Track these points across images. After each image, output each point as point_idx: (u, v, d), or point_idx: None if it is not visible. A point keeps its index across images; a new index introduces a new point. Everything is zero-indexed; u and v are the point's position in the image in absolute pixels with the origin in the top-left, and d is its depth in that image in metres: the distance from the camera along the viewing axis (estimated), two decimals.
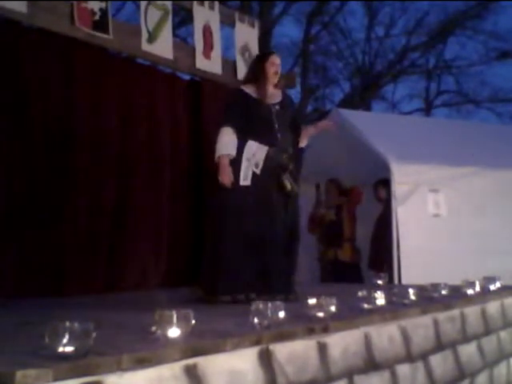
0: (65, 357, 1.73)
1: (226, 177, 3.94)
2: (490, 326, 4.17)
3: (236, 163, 3.98)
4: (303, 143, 4.37)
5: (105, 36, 4.99)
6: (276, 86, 4.22)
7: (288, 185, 4.01)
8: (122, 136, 5.23)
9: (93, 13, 4.89)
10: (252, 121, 4.05)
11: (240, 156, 4.00)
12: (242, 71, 6.09)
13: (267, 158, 4.01)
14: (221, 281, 3.88)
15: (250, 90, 4.16)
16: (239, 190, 3.96)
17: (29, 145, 4.52)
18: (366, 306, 3.11)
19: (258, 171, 3.99)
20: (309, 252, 6.91)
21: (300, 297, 3.67)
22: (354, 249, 6.81)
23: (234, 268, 3.89)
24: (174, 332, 2.11)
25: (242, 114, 4.05)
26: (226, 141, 4.01)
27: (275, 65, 4.18)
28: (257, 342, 2.30)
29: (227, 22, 6.35)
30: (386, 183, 6.36)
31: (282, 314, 2.51)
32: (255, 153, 4.01)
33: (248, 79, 4.29)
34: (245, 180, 3.97)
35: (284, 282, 3.94)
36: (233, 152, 3.99)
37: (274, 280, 3.90)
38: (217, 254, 3.97)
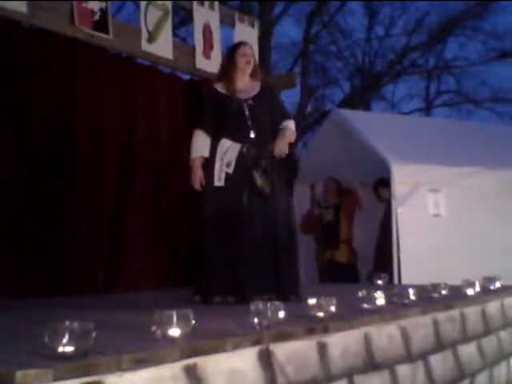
0: (65, 357, 1.73)
1: (196, 180, 3.95)
2: (490, 325, 4.17)
3: (210, 164, 3.92)
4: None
5: (105, 36, 5.00)
6: (252, 77, 4.08)
7: (258, 181, 3.83)
8: (122, 136, 5.23)
9: (93, 13, 4.90)
10: (224, 118, 3.94)
11: (214, 156, 3.93)
12: None
13: (240, 155, 3.89)
14: (205, 282, 3.84)
15: (221, 86, 4.05)
16: (215, 191, 3.89)
17: (29, 144, 4.52)
18: (365, 306, 3.11)
19: (230, 171, 3.87)
20: (307, 252, 6.91)
21: (302, 298, 3.60)
22: (351, 250, 6.78)
23: (218, 269, 3.82)
24: (174, 332, 2.11)
25: (214, 114, 3.97)
26: (198, 143, 3.98)
27: (246, 55, 4.02)
28: (257, 342, 2.30)
29: (227, 22, 6.36)
30: (386, 183, 6.35)
31: (281, 314, 2.51)
32: (227, 151, 3.91)
33: (220, 75, 4.14)
34: (219, 181, 3.89)
35: (274, 281, 3.83)
36: (205, 153, 3.95)
37: (261, 280, 3.78)
38: (202, 256, 3.92)
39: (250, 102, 3.98)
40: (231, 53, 4.10)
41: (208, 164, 3.94)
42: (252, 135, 3.92)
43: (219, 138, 3.95)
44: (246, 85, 4.04)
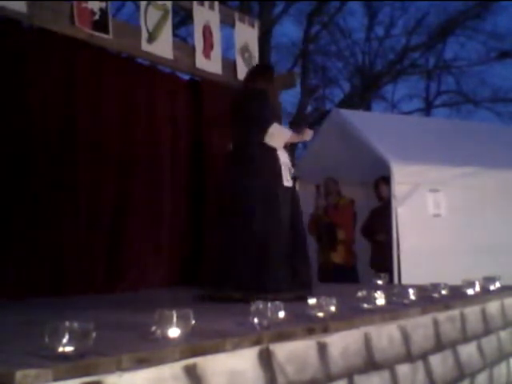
0: (65, 357, 1.73)
1: (305, 132, 4.27)
2: (490, 325, 4.17)
3: (275, 166, 4.12)
4: None
5: (105, 36, 5.00)
6: None
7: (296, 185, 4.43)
8: (122, 136, 5.23)
9: (93, 13, 4.90)
10: None
11: (276, 159, 4.14)
12: (241, 71, 6.09)
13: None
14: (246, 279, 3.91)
15: None
16: (284, 191, 4.12)
17: (29, 144, 4.52)
18: (365, 305, 3.11)
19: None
20: (309, 252, 6.89)
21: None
22: (349, 251, 6.76)
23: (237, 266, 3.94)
24: (173, 332, 2.11)
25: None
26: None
27: None
28: (257, 342, 2.30)
29: (227, 22, 6.36)
30: (387, 180, 6.34)
31: (281, 314, 2.52)
32: (286, 157, 4.24)
33: (262, 85, 4.30)
34: (287, 181, 4.17)
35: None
36: None
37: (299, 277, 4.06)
38: (234, 254, 4.00)
39: None
40: (272, 76, 4.42)
41: (270, 166, 4.12)
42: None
43: None
44: None
